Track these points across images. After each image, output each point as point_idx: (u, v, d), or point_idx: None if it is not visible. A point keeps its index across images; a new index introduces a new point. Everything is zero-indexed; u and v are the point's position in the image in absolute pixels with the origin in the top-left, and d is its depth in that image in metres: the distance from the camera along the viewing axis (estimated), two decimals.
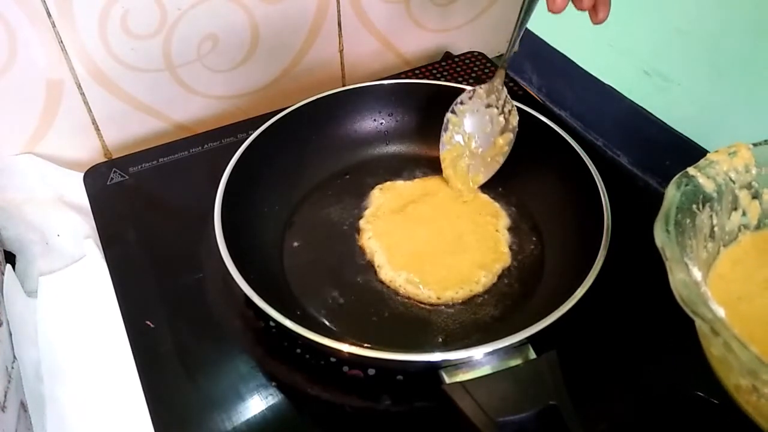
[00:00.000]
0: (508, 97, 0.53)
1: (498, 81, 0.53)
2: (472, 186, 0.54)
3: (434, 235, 0.50)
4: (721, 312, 0.31)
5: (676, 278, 0.32)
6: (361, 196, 0.54)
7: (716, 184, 0.38)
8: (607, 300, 0.43)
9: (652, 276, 0.47)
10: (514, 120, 0.52)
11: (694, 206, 0.36)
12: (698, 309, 0.30)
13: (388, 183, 0.55)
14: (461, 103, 0.54)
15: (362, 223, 0.52)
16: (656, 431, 0.39)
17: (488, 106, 0.53)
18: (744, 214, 0.40)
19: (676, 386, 0.40)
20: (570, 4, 0.43)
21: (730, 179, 0.38)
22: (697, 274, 0.33)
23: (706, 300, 0.31)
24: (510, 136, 0.53)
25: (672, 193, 0.36)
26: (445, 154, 0.55)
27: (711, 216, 0.38)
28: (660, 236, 0.34)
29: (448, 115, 0.54)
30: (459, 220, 0.51)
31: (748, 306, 0.37)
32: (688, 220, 0.36)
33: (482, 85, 0.53)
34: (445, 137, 0.54)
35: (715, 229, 0.38)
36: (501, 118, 0.53)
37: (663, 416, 0.39)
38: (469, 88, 0.54)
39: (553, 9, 0.44)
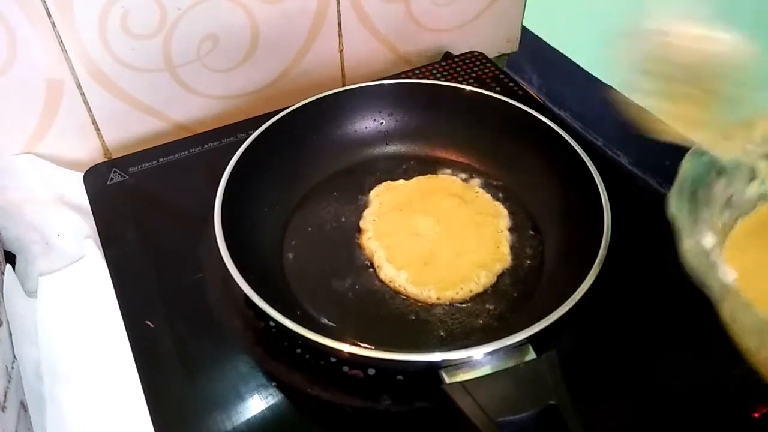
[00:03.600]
0: None
1: None
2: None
3: (434, 235, 0.50)
4: (732, 276, 0.31)
5: (685, 246, 0.32)
6: (361, 196, 0.54)
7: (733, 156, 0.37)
8: (608, 300, 0.43)
9: (652, 275, 0.47)
10: None
11: (709, 177, 0.36)
12: (706, 276, 0.30)
13: (388, 182, 0.55)
14: None
15: (362, 223, 0.52)
16: (656, 431, 0.39)
17: None
18: (762, 183, 0.39)
19: (677, 386, 0.40)
20: None
21: (748, 150, 0.37)
22: (708, 241, 0.33)
23: (717, 266, 0.31)
24: None
25: (687, 165, 0.35)
26: None
27: (727, 186, 0.37)
28: (673, 206, 0.33)
29: None
30: (459, 220, 0.51)
31: (761, 275, 0.36)
32: (702, 191, 0.35)
33: None
34: None
35: (732, 199, 0.38)
36: None
37: (664, 416, 0.39)
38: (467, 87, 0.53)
39: None
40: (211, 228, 0.44)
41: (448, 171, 0.56)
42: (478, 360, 0.37)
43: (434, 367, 0.38)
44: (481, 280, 0.47)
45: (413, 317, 0.45)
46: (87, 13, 0.53)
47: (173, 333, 0.44)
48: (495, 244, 0.49)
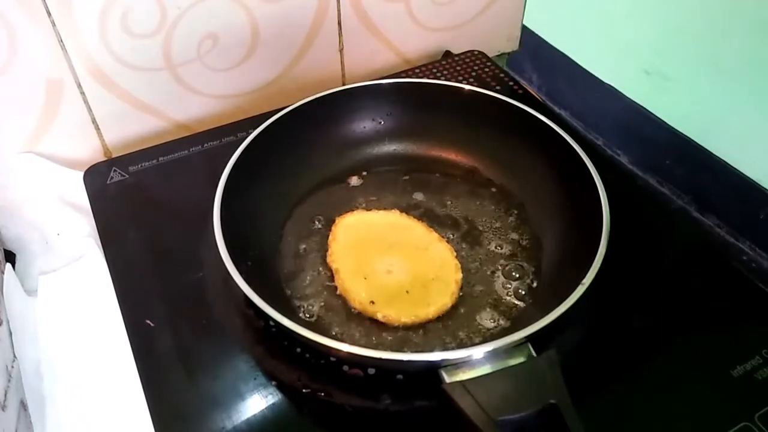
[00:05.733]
0: None
1: None
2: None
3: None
4: None
5: None
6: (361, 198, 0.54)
7: None
8: (607, 299, 0.43)
9: (651, 275, 0.47)
10: None
11: None
12: None
13: (343, 218, 0.51)
14: None
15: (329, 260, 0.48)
16: (656, 430, 0.39)
17: None
18: None
19: (676, 385, 0.40)
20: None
21: None
22: None
23: None
24: None
25: None
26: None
27: None
28: None
29: None
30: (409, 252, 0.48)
31: None
32: None
33: None
34: None
35: None
36: None
37: (664, 416, 0.39)
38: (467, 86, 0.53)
39: None
40: (210, 227, 0.44)
41: (448, 170, 0.56)
42: (478, 359, 0.37)
43: (434, 367, 0.38)
44: (447, 292, 0.45)
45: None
46: (87, 12, 0.53)
47: (173, 333, 0.44)
48: (441, 258, 0.48)
